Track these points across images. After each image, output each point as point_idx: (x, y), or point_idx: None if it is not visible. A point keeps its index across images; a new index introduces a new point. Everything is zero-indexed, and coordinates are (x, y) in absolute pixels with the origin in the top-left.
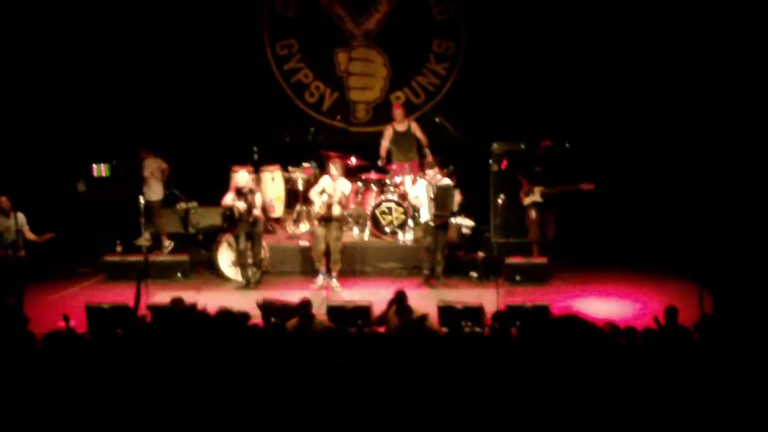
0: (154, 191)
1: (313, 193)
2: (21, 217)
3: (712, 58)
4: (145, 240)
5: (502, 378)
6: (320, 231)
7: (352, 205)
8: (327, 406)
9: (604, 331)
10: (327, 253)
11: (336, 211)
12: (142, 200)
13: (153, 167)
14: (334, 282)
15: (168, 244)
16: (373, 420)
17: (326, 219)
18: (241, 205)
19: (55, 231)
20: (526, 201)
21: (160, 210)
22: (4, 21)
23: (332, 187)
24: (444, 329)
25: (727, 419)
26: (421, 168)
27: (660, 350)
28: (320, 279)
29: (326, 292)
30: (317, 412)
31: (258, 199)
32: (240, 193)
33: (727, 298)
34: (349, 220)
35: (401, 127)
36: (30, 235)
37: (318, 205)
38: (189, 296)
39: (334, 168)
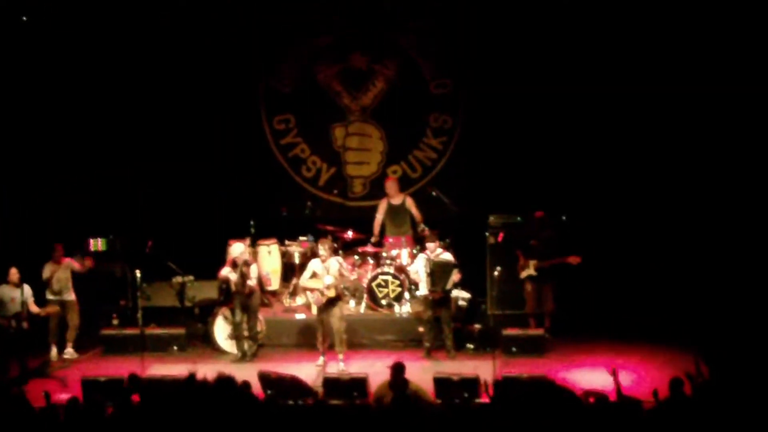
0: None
1: (304, 280)
2: (27, 289)
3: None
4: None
5: None
6: (322, 316)
7: (352, 276)
8: None
9: (588, 399)
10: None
11: (332, 293)
12: (138, 274)
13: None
14: (342, 366)
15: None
16: None
17: (329, 302)
18: (233, 276)
19: (57, 307)
20: (522, 275)
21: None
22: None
23: (324, 269)
24: (439, 401)
25: None
26: (418, 242)
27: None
28: (321, 360)
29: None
30: None
31: (253, 270)
32: (235, 264)
33: (723, 366)
34: (346, 293)
35: (396, 200)
36: (34, 308)
37: (316, 293)
38: (185, 369)
39: (321, 249)
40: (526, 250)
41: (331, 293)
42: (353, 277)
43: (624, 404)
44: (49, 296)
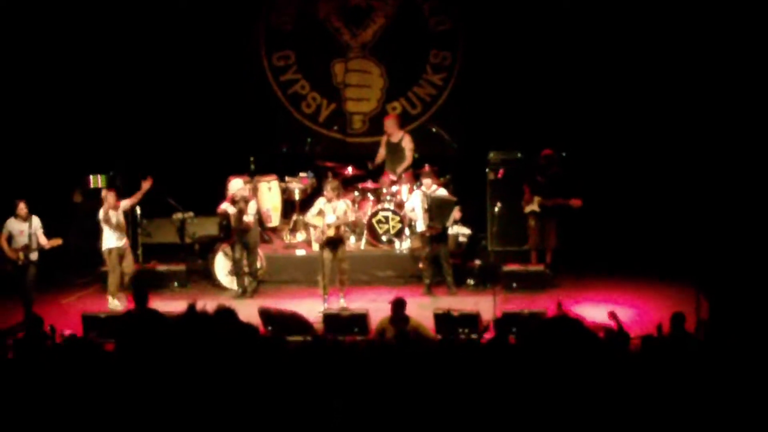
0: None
1: (309, 217)
2: (36, 221)
3: (706, 58)
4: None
5: (499, 384)
6: (326, 254)
7: (351, 217)
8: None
9: (598, 334)
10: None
11: (332, 233)
12: (138, 211)
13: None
14: (342, 302)
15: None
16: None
17: (330, 242)
18: (232, 211)
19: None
20: (526, 210)
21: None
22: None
23: (330, 209)
24: (439, 337)
25: (728, 423)
26: (416, 178)
27: (663, 357)
28: (324, 305)
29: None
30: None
31: (252, 206)
32: (234, 201)
33: (724, 303)
34: (347, 233)
35: (395, 138)
36: (43, 240)
37: (318, 231)
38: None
39: (328, 189)
40: (533, 185)
41: (331, 233)
42: (352, 218)
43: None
44: (113, 244)
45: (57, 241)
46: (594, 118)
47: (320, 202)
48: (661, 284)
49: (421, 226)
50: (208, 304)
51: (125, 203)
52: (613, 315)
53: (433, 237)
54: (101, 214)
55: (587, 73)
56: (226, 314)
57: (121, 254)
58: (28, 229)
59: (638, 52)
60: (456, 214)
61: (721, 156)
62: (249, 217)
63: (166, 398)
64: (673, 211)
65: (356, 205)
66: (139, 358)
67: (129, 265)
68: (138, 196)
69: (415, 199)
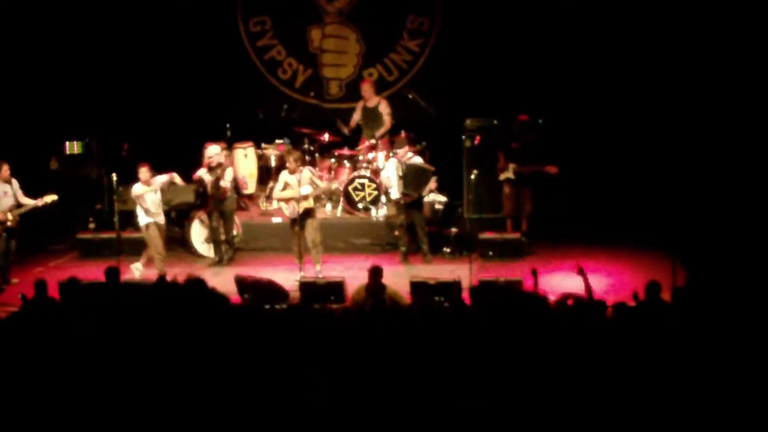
0: None
1: (278, 192)
2: (15, 182)
3: (685, 22)
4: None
5: (470, 351)
6: (296, 229)
7: (323, 183)
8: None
9: (567, 302)
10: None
11: (309, 204)
12: (114, 177)
13: None
14: (318, 270)
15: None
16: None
17: (302, 214)
18: (208, 178)
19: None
20: (501, 177)
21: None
22: None
23: (295, 180)
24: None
25: (703, 390)
26: (391, 145)
27: (636, 324)
28: (300, 275)
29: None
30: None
31: (229, 173)
32: (210, 167)
33: (700, 270)
34: (323, 199)
35: (371, 103)
36: (25, 200)
37: (290, 204)
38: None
39: (290, 161)
40: (507, 152)
41: (309, 203)
42: (324, 184)
43: (592, 305)
44: (148, 220)
45: (52, 197)
46: (571, 84)
47: (284, 176)
48: (637, 252)
49: (395, 194)
50: (179, 274)
51: (159, 180)
52: (580, 271)
53: (408, 205)
54: (133, 189)
55: (565, 38)
56: (197, 284)
57: (159, 229)
58: (11, 190)
59: (617, 17)
60: (432, 184)
61: (701, 123)
62: (225, 183)
63: (141, 366)
64: (649, 178)
65: (333, 173)
66: (112, 327)
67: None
68: (174, 178)
69: (390, 167)
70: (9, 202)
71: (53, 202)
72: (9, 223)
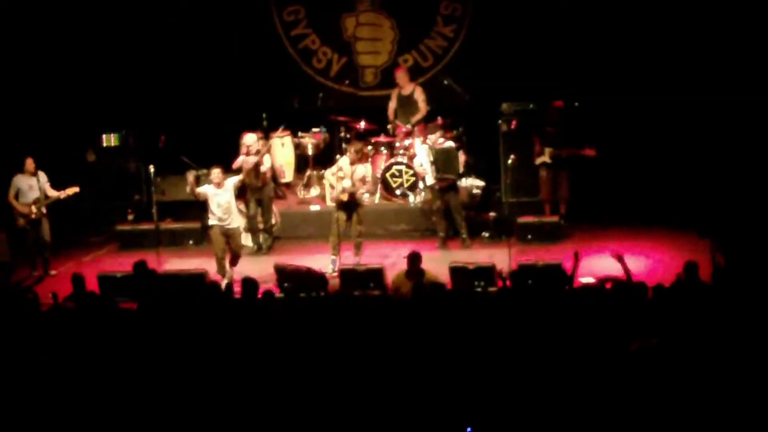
0: None
1: (329, 174)
2: (42, 175)
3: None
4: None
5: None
6: (340, 216)
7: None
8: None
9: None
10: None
11: (345, 197)
12: (152, 169)
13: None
14: (357, 259)
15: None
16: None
17: (346, 204)
18: (251, 159)
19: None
20: (537, 161)
21: None
22: None
23: (350, 171)
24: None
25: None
26: (425, 132)
27: (675, 305)
28: (331, 267)
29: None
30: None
31: (267, 160)
32: (248, 153)
33: (739, 253)
34: (363, 200)
35: (406, 90)
36: (51, 192)
37: (337, 190)
38: (202, 263)
39: (352, 151)
40: (543, 136)
41: (344, 197)
42: (363, 189)
43: (632, 288)
44: (213, 222)
45: (74, 189)
46: (608, 67)
47: (343, 162)
48: (676, 235)
49: (430, 180)
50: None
51: (231, 182)
52: (619, 258)
53: (442, 189)
54: (203, 189)
55: (600, 22)
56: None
57: (225, 233)
58: (36, 184)
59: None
60: (462, 157)
61: (741, 107)
62: (265, 167)
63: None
64: (688, 160)
65: (369, 160)
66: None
67: (238, 246)
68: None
69: (421, 154)
70: (34, 194)
71: (74, 194)
72: (33, 216)
